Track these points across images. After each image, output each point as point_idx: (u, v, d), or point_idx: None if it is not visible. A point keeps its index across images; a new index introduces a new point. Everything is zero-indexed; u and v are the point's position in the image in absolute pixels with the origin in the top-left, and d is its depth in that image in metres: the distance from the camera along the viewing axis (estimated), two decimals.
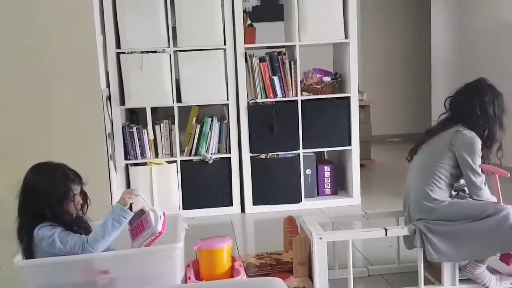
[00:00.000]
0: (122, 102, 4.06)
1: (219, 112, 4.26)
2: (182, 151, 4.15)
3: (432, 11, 6.20)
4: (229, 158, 4.15)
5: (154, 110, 4.17)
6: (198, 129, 4.11)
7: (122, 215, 2.15)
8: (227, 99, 4.11)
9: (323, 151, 4.52)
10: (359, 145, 4.29)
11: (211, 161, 4.10)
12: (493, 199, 2.55)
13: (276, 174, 4.17)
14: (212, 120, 4.12)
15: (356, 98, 4.24)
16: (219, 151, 4.18)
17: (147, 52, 4.00)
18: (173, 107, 4.07)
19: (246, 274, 2.48)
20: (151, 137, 4.10)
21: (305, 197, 4.23)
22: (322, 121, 4.17)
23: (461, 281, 2.56)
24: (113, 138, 4.00)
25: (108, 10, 3.92)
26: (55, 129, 3.75)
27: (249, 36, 4.17)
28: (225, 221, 4.00)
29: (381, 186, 4.89)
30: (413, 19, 7.25)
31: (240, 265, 2.48)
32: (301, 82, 4.22)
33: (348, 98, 4.21)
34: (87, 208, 2.25)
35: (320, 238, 2.46)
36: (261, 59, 4.09)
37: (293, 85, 4.12)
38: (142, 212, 2.25)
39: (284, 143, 4.15)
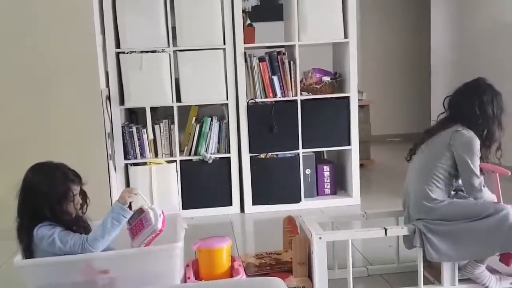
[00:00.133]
0: (122, 102, 4.06)
1: (219, 112, 4.26)
2: (181, 151, 4.16)
3: (432, 10, 6.20)
4: (229, 158, 4.15)
5: (153, 109, 4.17)
6: (197, 129, 4.11)
7: (122, 214, 2.16)
8: (227, 99, 4.11)
9: (323, 151, 4.52)
10: (359, 145, 4.29)
11: (210, 161, 4.10)
12: (493, 199, 2.55)
13: (275, 174, 4.17)
14: (211, 120, 4.12)
15: (356, 98, 4.24)
16: (218, 151, 4.18)
17: (147, 52, 4.00)
18: (172, 106, 4.07)
19: (246, 274, 2.48)
20: (151, 137, 4.11)
21: (305, 197, 4.23)
22: (322, 121, 4.17)
23: (460, 281, 2.56)
24: (113, 138, 4.00)
25: (107, 10, 3.92)
26: (55, 128, 3.75)
27: (249, 36, 4.17)
28: (224, 221, 4.01)
29: (380, 186, 4.90)
30: (412, 19, 7.24)
31: (240, 265, 2.48)
32: (300, 82, 4.22)
33: (347, 98, 4.21)
34: (86, 207, 2.25)
35: (320, 238, 2.46)
36: (261, 59, 4.10)
37: (293, 85, 4.12)
38: (141, 211, 2.25)
39: (284, 143, 4.15)
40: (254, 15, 5.22)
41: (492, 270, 2.62)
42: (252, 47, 4.21)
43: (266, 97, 4.12)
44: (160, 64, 3.99)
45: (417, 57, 7.16)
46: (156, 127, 4.12)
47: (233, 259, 2.51)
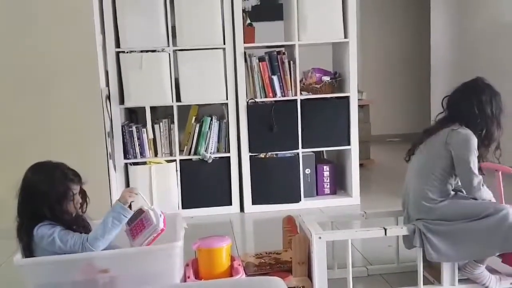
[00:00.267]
0: (122, 101, 4.06)
1: (219, 112, 4.26)
2: (181, 151, 4.16)
3: (432, 11, 6.20)
4: (228, 157, 4.15)
5: (153, 109, 4.17)
6: (197, 129, 4.11)
7: (123, 214, 2.16)
8: (227, 99, 4.11)
9: (322, 151, 4.52)
10: (359, 144, 4.29)
11: (210, 161, 4.10)
12: (491, 198, 2.55)
13: (275, 173, 4.17)
14: (211, 120, 4.12)
15: (356, 97, 4.24)
16: (218, 151, 4.18)
17: (147, 51, 4.00)
18: (172, 106, 4.07)
19: (245, 274, 2.48)
20: (151, 136, 4.11)
21: (304, 196, 4.23)
22: (322, 121, 4.17)
23: (460, 281, 2.56)
24: (113, 137, 4.00)
25: (107, 9, 3.92)
26: (55, 128, 3.75)
27: (249, 35, 4.17)
28: (224, 220, 4.01)
29: (380, 186, 4.90)
30: (412, 19, 7.25)
31: (239, 265, 2.48)
32: (300, 81, 4.22)
33: (347, 97, 4.21)
34: (86, 206, 2.25)
35: (320, 238, 2.46)
36: (261, 59, 4.10)
37: (293, 84, 4.12)
38: (141, 211, 2.25)
39: (283, 142, 4.15)
40: (254, 14, 5.23)
41: (492, 270, 2.62)
42: (252, 47, 4.21)
43: (266, 96, 4.12)
44: (160, 63, 4.00)
45: (417, 57, 7.17)
46: (156, 126, 4.12)
47: (232, 259, 2.51)
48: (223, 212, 4.14)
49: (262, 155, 4.17)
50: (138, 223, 2.23)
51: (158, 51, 4.02)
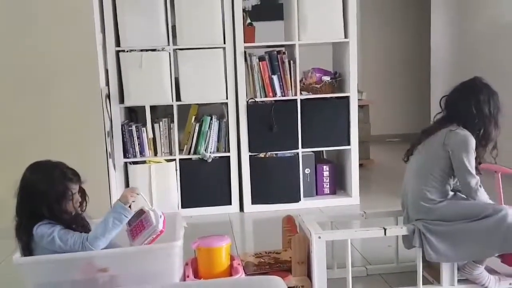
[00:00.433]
0: (122, 100, 4.06)
1: (218, 111, 4.26)
2: (181, 150, 4.16)
3: (432, 12, 6.20)
4: (228, 157, 4.15)
5: (153, 108, 4.17)
6: (197, 128, 4.11)
7: (123, 214, 2.15)
8: (227, 98, 4.11)
9: (322, 151, 4.53)
10: (358, 144, 4.29)
11: (210, 160, 4.10)
12: (488, 200, 2.55)
13: (275, 173, 4.17)
14: (211, 119, 4.12)
15: (355, 97, 4.24)
16: (218, 150, 4.18)
17: (147, 50, 4.00)
18: (172, 105, 4.07)
19: (245, 273, 2.48)
20: (150, 135, 4.11)
21: (304, 196, 4.23)
22: (321, 121, 4.17)
23: (459, 281, 2.56)
24: (112, 136, 4.00)
25: (107, 8, 3.92)
26: (55, 127, 3.75)
27: (249, 35, 4.17)
28: (223, 220, 4.01)
29: (380, 186, 4.90)
30: (412, 20, 7.25)
31: (239, 264, 2.48)
32: (300, 81, 4.22)
33: (347, 97, 4.21)
34: (86, 205, 2.24)
35: (319, 237, 2.46)
36: (261, 58, 4.10)
37: (293, 84, 4.12)
38: (141, 212, 2.26)
39: (283, 142, 4.15)
40: (254, 14, 5.23)
41: (491, 271, 2.62)
42: (252, 46, 4.21)
43: (265, 96, 4.12)
44: (160, 62, 3.99)
45: (417, 58, 7.17)
46: (156, 125, 4.12)
47: (232, 258, 2.51)
48: (223, 212, 4.14)
49: (261, 155, 4.17)
50: (138, 223, 2.24)
51: (158, 50, 4.02)
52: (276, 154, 4.18)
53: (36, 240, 2.10)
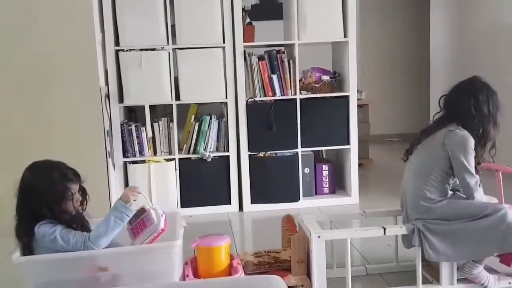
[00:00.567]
0: (121, 100, 4.06)
1: (218, 110, 4.26)
2: (180, 149, 4.16)
3: (431, 11, 6.19)
4: (228, 156, 4.15)
5: (152, 108, 4.17)
6: (196, 127, 4.10)
7: (125, 213, 2.15)
8: (226, 97, 4.11)
9: (322, 150, 4.53)
10: (358, 144, 4.29)
11: (209, 159, 4.10)
12: (485, 200, 2.55)
13: (274, 172, 4.17)
14: (210, 118, 4.12)
15: (355, 97, 4.24)
16: (217, 149, 4.18)
17: (146, 49, 4.00)
18: (171, 105, 4.07)
19: (244, 272, 2.48)
20: (150, 135, 4.10)
21: (303, 195, 4.23)
22: (321, 120, 4.17)
23: (459, 280, 2.56)
24: (112, 135, 4.00)
25: (107, 7, 3.92)
26: (54, 126, 3.74)
27: (248, 34, 4.17)
28: (223, 219, 4.01)
29: (379, 185, 4.90)
30: (412, 19, 7.24)
31: (238, 263, 2.48)
32: (300, 80, 4.22)
33: (346, 97, 4.21)
34: (86, 204, 2.24)
35: (319, 237, 2.47)
36: (260, 58, 4.09)
37: (292, 83, 4.12)
38: (142, 210, 2.26)
39: (283, 141, 4.15)
40: (253, 13, 5.23)
41: (491, 270, 2.63)
42: (252, 46, 4.20)
43: (265, 95, 4.12)
44: (159, 62, 3.99)
45: (417, 57, 7.16)
46: (155, 125, 4.12)
47: (231, 258, 2.52)
48: (222, 211, 4.14)
49: (261, 154, 4.17)
50: (139, 222, 2.23)
51: (158, 50, 4.02)
52: (275, 153, 4.18)
53: (37, 239, 2.10)
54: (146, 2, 3.94)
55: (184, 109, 4.16)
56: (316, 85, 4.22)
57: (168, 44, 4.01)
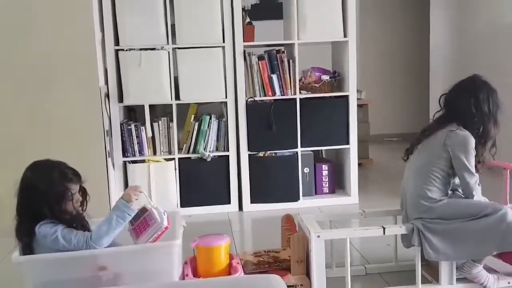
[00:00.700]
0: (121, 99, 4.06)
1: (218, 110, 4.26)
2: (180, 149, 4.16)
3: (431, 11, 6.19)
4: (227, 156, 4.15)
5: (152, 107, 4.17)
6: (196, 127, 4.11)
7: (127, 212, 2.15)
8: (226, 97, 4.11)
9: (321, 150, 4.53)
10: (357, 144, 4.29)
11: (209, 159, 4.10)
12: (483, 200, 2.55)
13: (274, 172, 4.17)
14: (210, 118, 4.12)
15: (355, 97, 4.24)
16: (217, 149, 4.18)
17: (146, 49, 4.00)
18: (171, 104, 4.07)
19: (244, 272, 2.48)
20: (149, 134, 4.10)
21: (303, 195, 4.23)
22: (321, 120, 4.17)
23: (458, 280, 2.56)
24: (111, 135, 4.00)
25: (107, 6, 3.92)
26: (54, 126, 3.74)
27: (248, 34, 4.17)
28: (222, 219, 4.01)
29: (379, 185, 4.90)
30: (412, 19, 7.24)
31: (238, 263, 2.48)
32: (299, 80, 4.22)
33: (346, 97, 4.21)
34: (86, 204, 2.24)
35: (318, 236, 2.47)
36: (260, 57, 4.09)
37: (292, 83, 4.12)
38: (144, 210, 2.25)
39: (282, 141, 4.15)
40: (253, 13, 5.22)
41: (490, 269, 2.63)
42: (252, 46, 4.20)
43: (265, 95, 4.12)
44: (159, 61, 3.99)
45: (417, 57, 7.16)
46: (155, 124, 4.12)
47: (231, 257, 2.52)
48: (222, 211, 4.14)
49: (261, 154, 4.17)
50: (141, 221, 2.23)
51: (158, 49, 4.02)
52: (275, 153, 4.18)
53: (38, 239, 2.10)
54: (146, 2, 3.94)
55: (183, 108, 4.16)
56: (316, 85, 4.22)
57: (168, 43, 4.01)
